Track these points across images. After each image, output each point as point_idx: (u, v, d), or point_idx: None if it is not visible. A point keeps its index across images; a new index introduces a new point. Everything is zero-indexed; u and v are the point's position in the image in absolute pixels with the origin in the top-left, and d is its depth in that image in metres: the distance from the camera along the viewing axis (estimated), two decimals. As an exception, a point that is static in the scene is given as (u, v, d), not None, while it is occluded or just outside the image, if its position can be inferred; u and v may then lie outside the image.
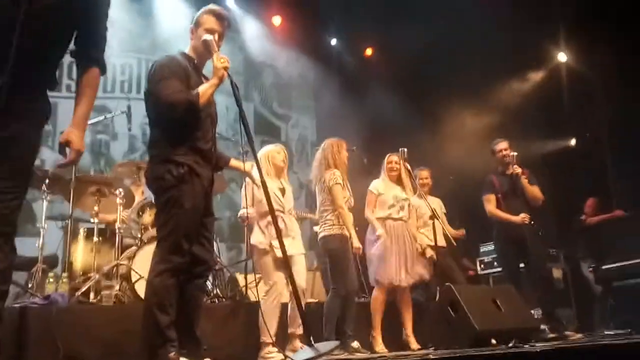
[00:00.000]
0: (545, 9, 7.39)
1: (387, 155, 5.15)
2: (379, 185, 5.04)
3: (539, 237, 5.42)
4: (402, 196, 4.97)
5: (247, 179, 4.05)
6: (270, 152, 4.46)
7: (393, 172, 5.05)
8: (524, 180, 5.28)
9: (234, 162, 3.44)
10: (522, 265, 5.32)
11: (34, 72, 2.02)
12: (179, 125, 2.91)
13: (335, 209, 4.57)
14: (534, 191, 5.32)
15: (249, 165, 3.53)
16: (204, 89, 2.95)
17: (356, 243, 4.56)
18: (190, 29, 3.16)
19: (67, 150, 2.14)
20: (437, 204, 5.71)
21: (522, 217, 5.14)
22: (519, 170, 5.26)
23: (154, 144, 3.00)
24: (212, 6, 3.18)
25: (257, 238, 4.17)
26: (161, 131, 2.98)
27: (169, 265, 2.80)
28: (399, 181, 5.06)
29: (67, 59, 2.27)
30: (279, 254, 4.00)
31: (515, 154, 5.34)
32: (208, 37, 3.03)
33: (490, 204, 5.39)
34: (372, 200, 4.97)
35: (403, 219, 4.93)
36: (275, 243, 4.02)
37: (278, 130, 9.03)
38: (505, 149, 5.41)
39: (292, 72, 9.41)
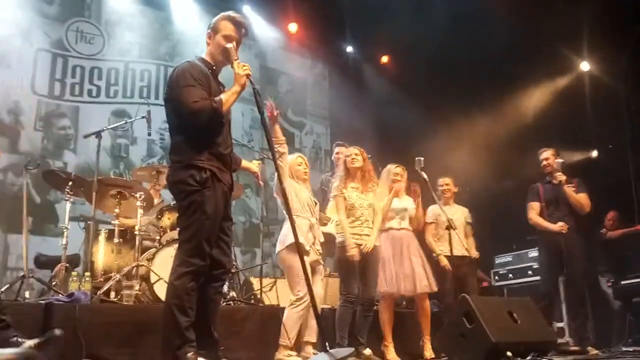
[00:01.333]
0: (568, 17, 7.22)
1: (392, 167, 5.01)
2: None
3: (582, 250, 5.24)
4: (401, 207, 4.90)
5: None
6: (292, 164, 4.33)
7: (394, 184, 4.88)
8: (568, 189, 5.23)
9: (245, 163, 3.52)
10: (561, 277, 5.26)
11: None
12: (202, 131, 2.94)
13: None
14: (580, 199, 5.25)
15: (256, 165, 3.60)
16: (227, 97, 2.97)
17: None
18: (208, 34, 3.14)
19: None
20: (462, 212, 5.57)
21: (560, 226, 5.12)
22: (562, 178, 5.21)
23: (175, 149, 3.02)
24: (230, 13, 3.16)
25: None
26: (183, 137, 2.99)
27: (190, 268, 2.84)
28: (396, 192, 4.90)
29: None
30: (313, 257, 4.12)
31: (562, 161, 5.32)
32: (228, 45, 3.02)
33: (532, 212, 5.39)
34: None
35: (406, 229, 4.89)
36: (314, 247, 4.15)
37: (292, 137, 9.01)
38: (546, 159, 5.41)
39: (307, 80, 9.47)
